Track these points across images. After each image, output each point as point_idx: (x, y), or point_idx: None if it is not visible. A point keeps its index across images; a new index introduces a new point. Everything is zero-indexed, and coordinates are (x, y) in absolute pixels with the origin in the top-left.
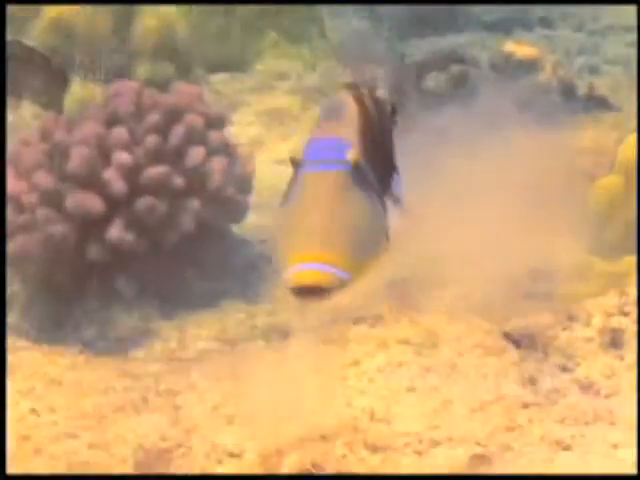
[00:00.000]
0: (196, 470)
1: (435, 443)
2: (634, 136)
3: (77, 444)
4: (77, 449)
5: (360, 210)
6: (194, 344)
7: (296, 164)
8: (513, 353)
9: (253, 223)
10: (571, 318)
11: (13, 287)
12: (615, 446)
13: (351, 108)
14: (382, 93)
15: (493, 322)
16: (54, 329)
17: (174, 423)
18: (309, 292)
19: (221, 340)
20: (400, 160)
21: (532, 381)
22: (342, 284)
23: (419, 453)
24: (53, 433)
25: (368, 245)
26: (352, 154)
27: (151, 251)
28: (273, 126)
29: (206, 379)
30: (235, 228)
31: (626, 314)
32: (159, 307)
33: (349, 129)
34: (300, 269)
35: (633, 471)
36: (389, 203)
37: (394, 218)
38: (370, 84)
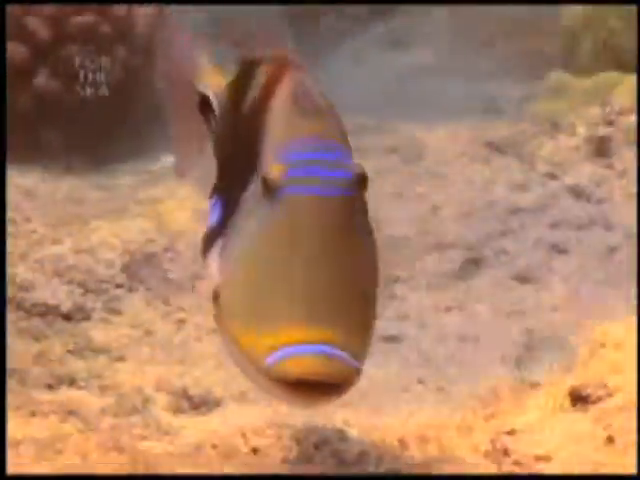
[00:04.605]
0: (187, 274)
1: (428, 249)
2: None
3: (62, 250)
4: (62, 255)
5: (369, 252)
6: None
7: (273, 185)
8: (499, 161)
9: None
10: (555, 128)
11: None
12: (612, 250)
13: (320, 93)
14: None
15: (476, 132)
16: None
17: (158, 229)
18: (312, 388)
19: None
20: None
21: (522, 188)
22: (357, 376)
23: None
24: (34, 240)
25: (373, 305)
26: (358, 169)
27: (80, 102)
28: None
29: (183, 187)
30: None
31: (610, 123)
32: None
33: (334, 128)
34: (297, 353)
35: (628, 278)
36: None
37: None
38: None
